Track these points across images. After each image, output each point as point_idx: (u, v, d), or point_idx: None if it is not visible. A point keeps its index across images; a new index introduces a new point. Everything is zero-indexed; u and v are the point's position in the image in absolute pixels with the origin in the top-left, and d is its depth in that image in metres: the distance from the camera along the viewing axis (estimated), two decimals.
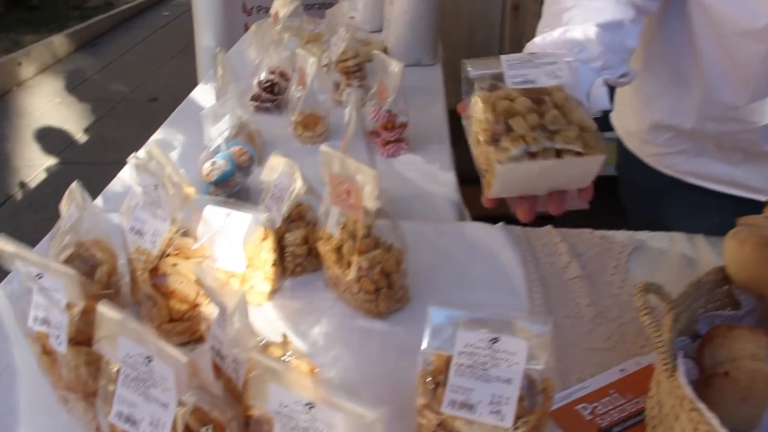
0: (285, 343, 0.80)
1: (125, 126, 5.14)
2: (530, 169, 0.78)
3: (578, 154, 0.78)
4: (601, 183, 1.43)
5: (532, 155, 0.78)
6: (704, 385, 0.84)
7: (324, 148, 0.98)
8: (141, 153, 1.18)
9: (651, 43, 1.22)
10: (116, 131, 5.05)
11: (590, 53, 0.99)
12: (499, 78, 0.86)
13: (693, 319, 0.96)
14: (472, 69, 0.87)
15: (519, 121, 0.79)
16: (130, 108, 5.52)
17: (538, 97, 0.83)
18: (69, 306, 0.79)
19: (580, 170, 0.80)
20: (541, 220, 1.32)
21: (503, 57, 0.86)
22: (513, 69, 0.84)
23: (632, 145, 1.36)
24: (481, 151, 0.83)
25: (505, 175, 0.79)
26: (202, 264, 1.00)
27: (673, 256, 1.20)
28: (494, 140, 0.80)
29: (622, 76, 1.05)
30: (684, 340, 0.93)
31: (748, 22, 1.02)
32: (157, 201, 0.94)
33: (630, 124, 1.35)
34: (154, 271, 0.97)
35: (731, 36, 1.06)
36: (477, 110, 0.84)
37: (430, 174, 1.57)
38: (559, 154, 0.78)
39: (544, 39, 1.02)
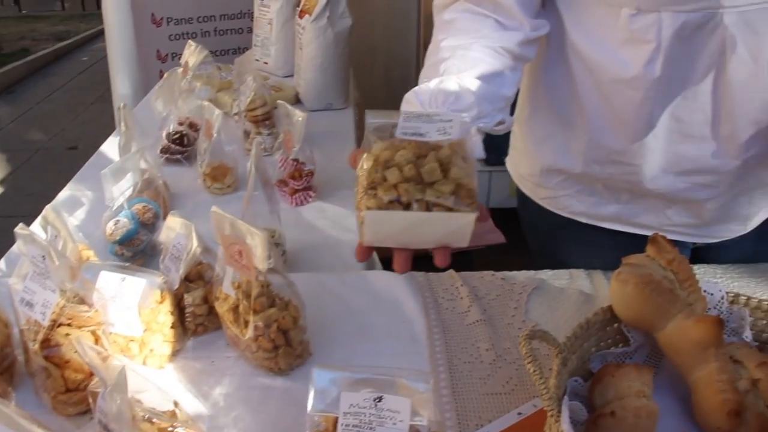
0: (174, 412, 0.79)
1: (43, 176, 5.03)
2: (398, 218, 0.78)
3: (449, 209, 0.78)
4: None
5: (406, 206, 0.78)
6: (593, 425, 0.86)
7: (214, 209, 0.99)
8: (39, 218, 1.17)
9: (536, 88, 1.26)
10: (34, 182, 4.94)
11: (464, 103, 1.01)
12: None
13: (586, 358, 0.99)
14: (373, 119, 0.88)
15: (394, 172, 0.79)
16: (48, 157, 5.41)
17: (425, 151, 0.84)
18: None
19: (452, 227, 0.80)
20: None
21: (403, 111, 0.88)
22: (407, 121, 0.84)
23: (526, 188, 1.40)
24: (359, 200, 0.83)
25: (373, 222, 0.79)
26: (100, 330, 0.99)
27: (572, 293, 1.24)
28: (371, 189, 0.80)
29: (499, 123, 1.09)
30: (577, 380, 0.95)
31: (619, 72, 1.07)
32: (45, 272, 0.92)
33: (522, 168, 1.39)
34: (46, 342, 0.95)
35: (607, 83, 1.11)
36: (362, 160, 0.85)
37: (339, 221, 1.58)
38: (432, 208, 0.79)
39: (420, 89, 1.04)
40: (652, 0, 1.00)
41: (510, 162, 1.45)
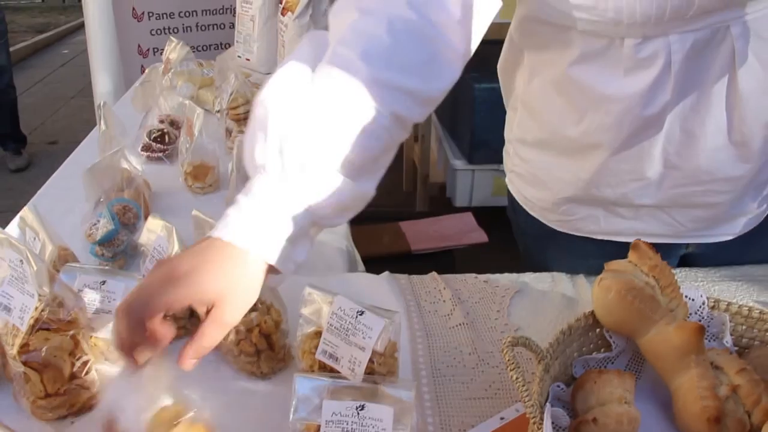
0: (179, 406, 0.79)
1: (23, 172, 4.98)
2: None
3: None
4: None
5: None
6: None
7: (196, 212, 0.98)
8: (17, 219, 1.15)
9: (536, 123, 1.23)
10: (13, 178, 4.89)
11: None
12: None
13: (568, 363, 0.99)
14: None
15: None
16: (27, 153, 5.33)
17: None
18: None
19: None
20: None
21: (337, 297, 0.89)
22: (330, 333, 0.87)
23: (534, 211, 1.35)
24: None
25: None
26: (80, 334, 0.98)
27: (555, 296, 1.24)
28: None
29: None
30: (560, 386, 0.96)
31: (628, 99, 1.04)
32: (23, 276, 0.91)
33: (528, 192, 1.35)
34: (25, 347, 0.94)
35: (615, 112, 1.07)
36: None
37: None
38: None
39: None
40: (658, 26, 0.96)
41: (511, 184, 1.41)
